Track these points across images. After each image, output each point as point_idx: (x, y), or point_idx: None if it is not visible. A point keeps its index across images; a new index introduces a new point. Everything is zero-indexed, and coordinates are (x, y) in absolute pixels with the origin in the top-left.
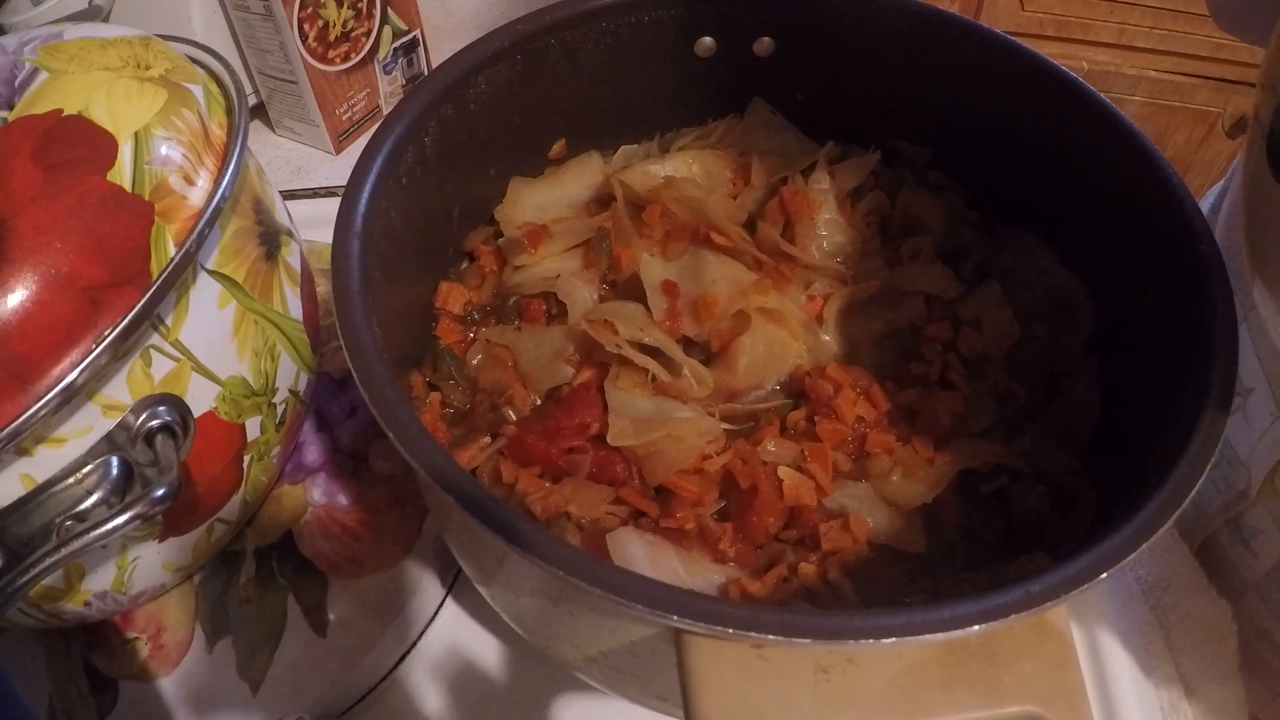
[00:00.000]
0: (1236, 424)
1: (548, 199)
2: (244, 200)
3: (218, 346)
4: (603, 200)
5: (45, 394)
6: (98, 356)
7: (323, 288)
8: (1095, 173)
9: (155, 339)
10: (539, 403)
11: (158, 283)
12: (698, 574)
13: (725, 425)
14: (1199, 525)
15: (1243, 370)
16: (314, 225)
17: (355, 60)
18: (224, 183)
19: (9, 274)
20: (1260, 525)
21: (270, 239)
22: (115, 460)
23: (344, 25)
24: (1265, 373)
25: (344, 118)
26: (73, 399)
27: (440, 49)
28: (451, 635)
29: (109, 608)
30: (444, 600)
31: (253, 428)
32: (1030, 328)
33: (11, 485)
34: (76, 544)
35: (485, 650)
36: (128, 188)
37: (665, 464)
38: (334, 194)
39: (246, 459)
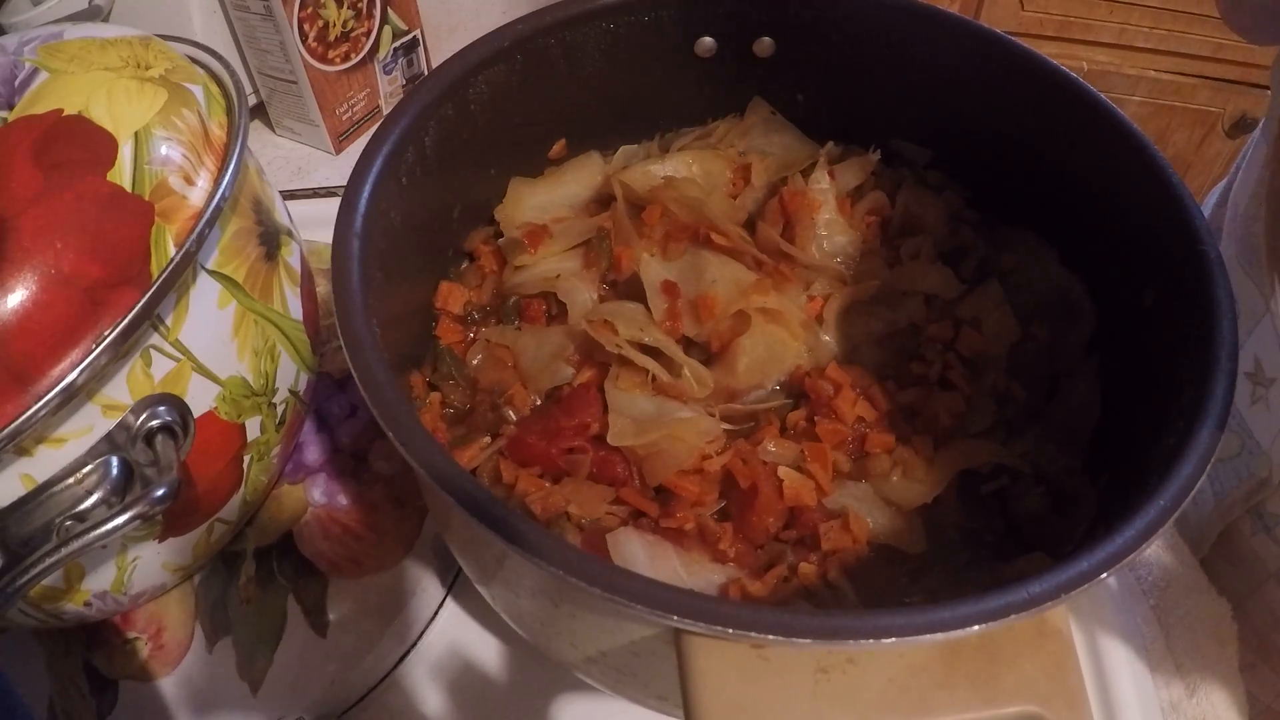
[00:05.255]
0: (1258, 414)
1: (548, 199)
2: (244, 200)
3: (218, 346)
4: (603, 200)
5: (45, 394)
6: (98, 356)
7: (323, 288)
8: (1095, 173)
9: (155, 339)
10: (539, 403)
11: (158, 283)
12: (698, 574)
13: (725, 425)
14: (1220, 515)
15: (1265, 360)
16: (314, 225)
17: (355, 60)
18: (224, 183)
19: (9, 274)
20: None
21: (270, 239)
22: (115, 460)
23: (344, 25)
24: None
25: (344, 118)
26: (73, 399)
27: (440, 49)
28: (451, 635)
29: (109, 608)
30: (444, 600)
31: (253, 428)
32: (1030, 328)
33: (11, 485)
34: (76, 544)
35: (485, 650)
36: (128, 188)
37: (665, 464)
38: (334, 194)
39: (246, 459)
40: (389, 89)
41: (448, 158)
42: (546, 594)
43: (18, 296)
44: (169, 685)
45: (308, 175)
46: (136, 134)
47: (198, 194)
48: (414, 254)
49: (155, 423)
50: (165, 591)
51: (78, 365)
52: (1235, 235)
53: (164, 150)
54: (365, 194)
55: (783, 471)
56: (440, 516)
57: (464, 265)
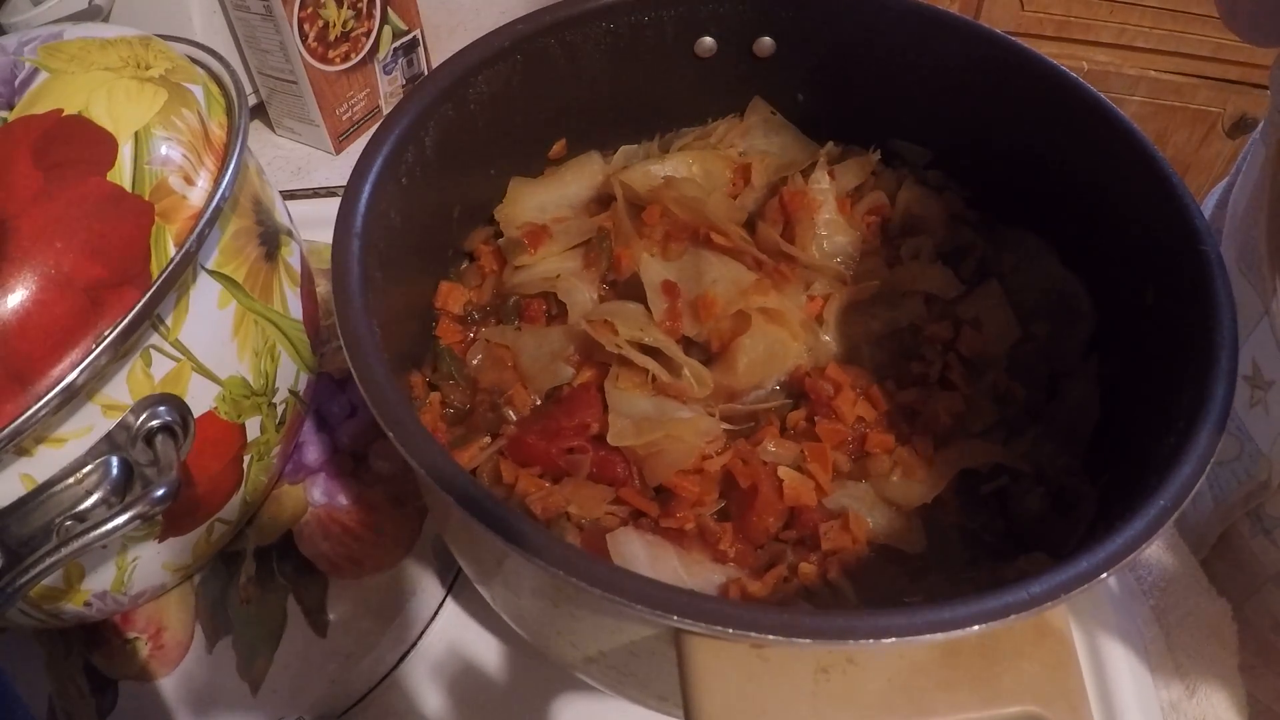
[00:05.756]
0: (1257, 416)
1: (548, 199)
2: (244, 200)
3: (218, 346)
4: (603, 200)
5: (45, 394)
6: (98, 356)
7: (323, 288)
8: (1095, 172)
9: (155, 339)
10: (539, 403)
11: (158, 283)
12: (698, 574)
13: (725, 425)
14: (1219, 517)
15: (1263, 363)
16: (314, 225)
17: (355, 60)
18: (224, 183)
19: (9, 274)
20: None
21: (270, 239)
22: (115, 460)
23: (344, 25)
24: None
25: (344, 118)
26: (73, 399)
27: (440, 49)
28: (451, 635)
29: (109, 608)
30: (444, 600)
31: (253, 428)
32: (1030, 328)
33: (11, 485)
34: (76, 544)
35: (485, 650)
36: (128, 188)
37: (665, 464)
38: (334, 194)
39: (246, 459)
40: (389, 89)
41: (448, 158)
42: (546, 594)
43: (18, 296)
44: (169, 685)
45: (308, 175)
46: (136, 134)
47: (198, 194)
48: (414, 254)
49: (155, 423)
50: (165, 591)
51: (78, 365)
52: (1234, 238)
53: (164, 150)
54: (365, 194)
55: (783, 471)
56: (440, 516)
57: (464, 265)
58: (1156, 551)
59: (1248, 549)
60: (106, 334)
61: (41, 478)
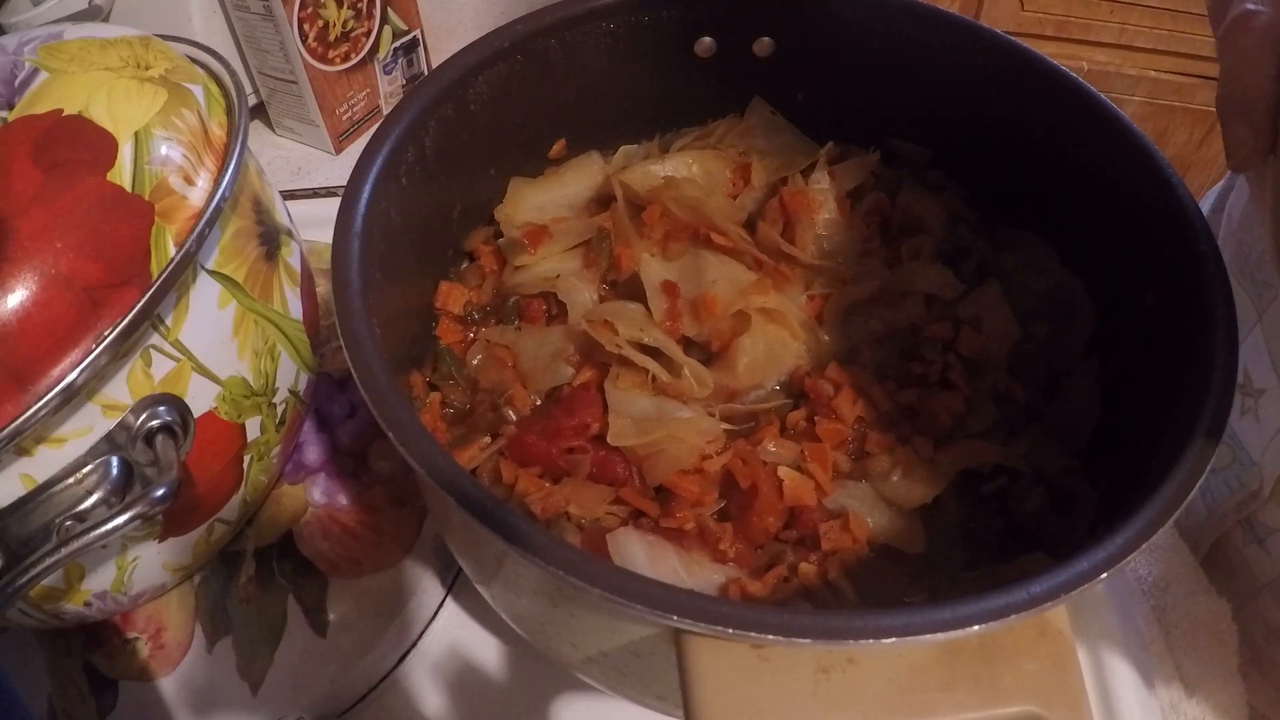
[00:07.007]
0: (1248, 425)
1: (548, 199)
2: (244, 200)
3: (218, 346)
4: (603, 200)
5: (45, 394)
6: (98, 356)
7: (323, 288)
8: (1095, 173)
9: (155, 339)
10: (539, 403)
11: (158, 283)
12: (698, 574)
13: (725, 425)
14: (1211, 526)
15: (1254, 371)
16: (314, 225)
17: (355, 60)
18: (224, 183)
19: (9, 274)
20: (1274, 525)
21: (270, 239)
22: (115, 460)
23: (344, 25)
24: (1277, 374)
25: (344, 118)
26: (73, 399)
27: (440, 49)
28: (451, 635)
29: (109, 608)
30: (444, 600)
31: (253, 428)
32: (1030, 328)
33: (11, 485)
34: (76, 544)
35: (485, 650)
36: (128, 188)
37: (665, 464)
38: (334, 194)
39: (246, 459)
40: (389, 89)
41: (448, 158)
42: (546, 594)
43: (18, 296)
44: (169, 685)
45: (308, 175)
46: (136, 134)
47: (198, 194)
48: (414, 254)
49: (155, 423)
50: (165, 591)
51: (78, 365)
52: (1229, 243)
53: (164, 150)
54: (365, 194)
55: (783, 471)
56: (440, 516)
57: (464, 265)
58: (1157, 552)
59: (1240, 557)
60: (106, 334)
61: (41, 478)
